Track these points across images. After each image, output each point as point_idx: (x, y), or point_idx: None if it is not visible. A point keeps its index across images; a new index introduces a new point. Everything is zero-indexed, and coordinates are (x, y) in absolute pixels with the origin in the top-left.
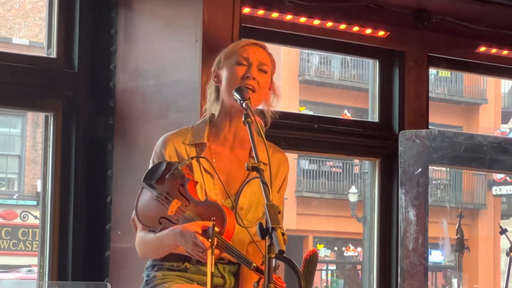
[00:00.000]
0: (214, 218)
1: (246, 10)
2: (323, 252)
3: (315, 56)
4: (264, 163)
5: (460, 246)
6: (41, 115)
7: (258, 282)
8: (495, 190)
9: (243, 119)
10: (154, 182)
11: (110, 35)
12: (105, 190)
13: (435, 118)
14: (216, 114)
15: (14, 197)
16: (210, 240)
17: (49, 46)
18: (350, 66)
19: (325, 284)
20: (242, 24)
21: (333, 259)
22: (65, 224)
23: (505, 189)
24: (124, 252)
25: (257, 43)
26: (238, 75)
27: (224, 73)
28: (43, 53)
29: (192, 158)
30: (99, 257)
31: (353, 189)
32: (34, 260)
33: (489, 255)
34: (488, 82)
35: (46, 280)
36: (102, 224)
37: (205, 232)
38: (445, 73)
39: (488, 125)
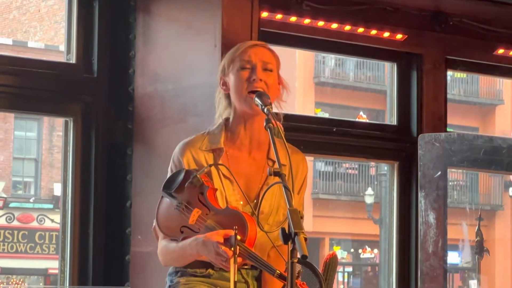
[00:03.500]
0: (236, 227)
1: (264, 14)
2: (340, 254)
3: (330, 58)
4: (283, 164)
5: (480, 249)
6: (57, 119)
7: None
8: None
9: (264, 124)
10: (173, 191)
11: (129, 40)
12: (125, 194)
13: (451, 119)
14: (231, 119)
15: (31, 200)
16: (232, 248)
17: (68, 51)
18: (365, 68)
19: (341, 286)
20: (261, 28)
21: (350, 261)
22: (85, 229)
23: None
24: (144, 257)
25: (257, 43)
26: (244, 79)
27: (230, 80)
28: (59, 57)
29: (210, 165)
30: (120, 261)
31: (369, 190)
32: (51, 264)
33: (507, 256)
34: (504, 83)
35: (67, 285)
36: (122, 228)
37: (227, 241)
38: (460, 74)
39: (505, 126)
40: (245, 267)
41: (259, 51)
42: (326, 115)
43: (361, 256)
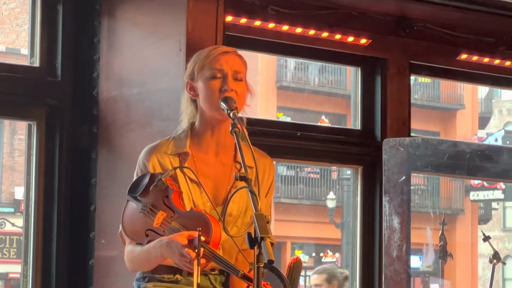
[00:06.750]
0: (200, 228)
1: (229, 18)
2: (301, 258)
3: (292, 62)
4: (250, 167)
5: (444, 253)
6: (19, 122)
7: None
8: (473, 195)
9: (230, 128)
10: (138, 195)
11: (93, 43)
12: (89, 198)
13: (412, 124)
14: (197, 124)
15: None
16: (196, 250)
17: (32, 55)
18: (327, 72)
19: None
20: (225, 33)
21: (311, 265)
22: (49, 233)
23: (482, 195)
24: (108, 261)
25: (228, 51)
26: (216, 90)
27: (200, 87)
28: (21, 60)
29: (175, 168)
30: (83, 265)
31: (331, 195)
32: (12, 268)
33: (467, 260)
34: (465, 88)
35: None
36: (86, 232)
37: (191, 242)
38: (424, 78)
39: (465, 130)
40: (213, 272)
41: (231, 59)
42: (288, 119)
43: (323, 260)
